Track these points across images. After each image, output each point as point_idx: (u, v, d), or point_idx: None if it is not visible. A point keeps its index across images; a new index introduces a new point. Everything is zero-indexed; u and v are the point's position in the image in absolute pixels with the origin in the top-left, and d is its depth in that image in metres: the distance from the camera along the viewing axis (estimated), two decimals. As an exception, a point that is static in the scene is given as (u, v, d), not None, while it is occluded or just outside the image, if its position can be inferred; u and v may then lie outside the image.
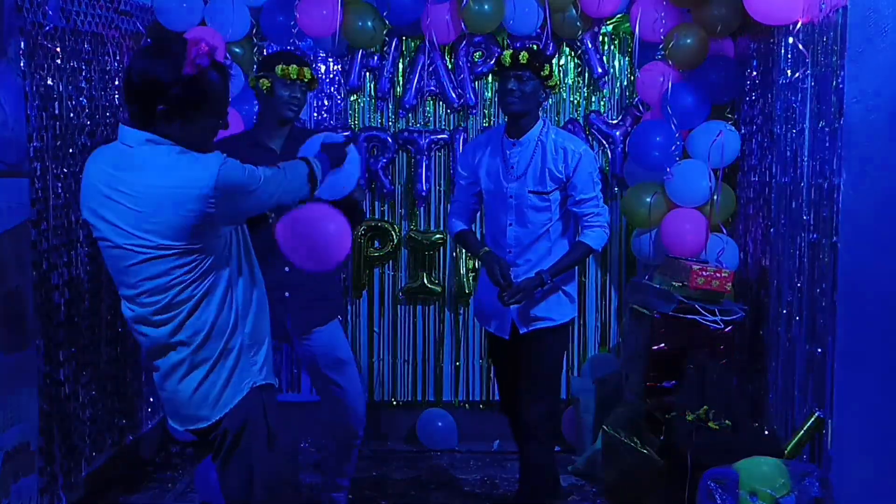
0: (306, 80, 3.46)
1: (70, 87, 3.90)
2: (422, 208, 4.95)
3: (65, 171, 3.83)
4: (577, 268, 3.77)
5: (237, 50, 4.58)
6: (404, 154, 4.91)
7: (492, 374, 5.01)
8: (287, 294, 3.52)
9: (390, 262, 4.94)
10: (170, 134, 2.30)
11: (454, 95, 4.81)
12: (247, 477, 2.53)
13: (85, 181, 2.42)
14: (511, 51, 3.46)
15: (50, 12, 3.68)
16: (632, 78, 4.75)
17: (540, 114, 3.59)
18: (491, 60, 4.80)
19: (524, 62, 3.39)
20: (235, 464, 2.53)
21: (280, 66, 3.42)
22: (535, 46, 3.71)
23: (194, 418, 2.53)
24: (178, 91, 2.25)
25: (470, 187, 3.73)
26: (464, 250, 4.81)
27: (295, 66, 3.44)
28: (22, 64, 3.42)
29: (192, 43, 2.25)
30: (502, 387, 3.87)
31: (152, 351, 2.51)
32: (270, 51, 4.85)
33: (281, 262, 3.08)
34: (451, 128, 4.89)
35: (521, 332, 3.61)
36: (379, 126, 4.91)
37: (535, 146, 3.52)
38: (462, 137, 4.84)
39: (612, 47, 4.82)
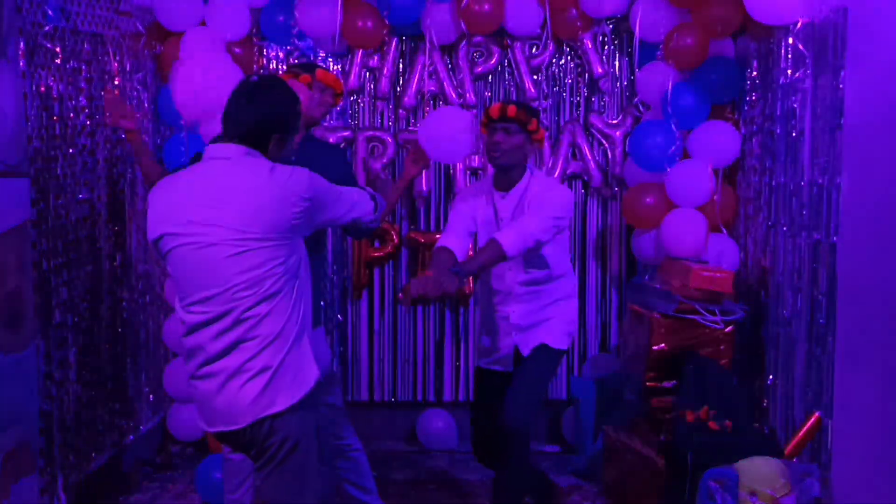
0: (339, 93, 3.56)
1: (70, 87, 3.90)
2: (422, 208, 4.95)
3: (65, 171, 3.83)
4: (576, 303, 3.71)
5: (237, 50, 4.58)
6: (404, 154, 4.91)
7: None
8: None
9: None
10: (266, 151, 2.63)
11: (454, 95, 4.81)
12: (298, 488, 2.61)
13: (164, 201, 2.72)
14: (499, 104, 3.49)
15: (50, 12, 3.68)
16: (632, 78, 4.74)
17: (526, 165, 3.56)
18: (491, 60, 4.80)
19: (511, 115, 3.42)
20: (288, 474, 2.61)
21: (320, 70, 3.52)
22: (521, 102, 3.70)
23: (239, 419, 2.59)
24: (293, 122, 2.68)
25: (466, 223, 3.62)
26: None
27: (335, 75, 3.58)
28: (22, 64, 3.42)
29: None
30: (479, 433, 3.70)
31: (215, 355, 2.59)
32: (270, 51, 4.87)
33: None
34: (451, 128, 4.89)
35: (524, 354, 3.54)
36: (379, 126, 4.91)
37: (520, 197, 3.52)
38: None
39: (613, 47, 4.82)
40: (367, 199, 2.88)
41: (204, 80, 4.06)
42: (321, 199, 2.65)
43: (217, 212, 2.54)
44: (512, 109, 3.42)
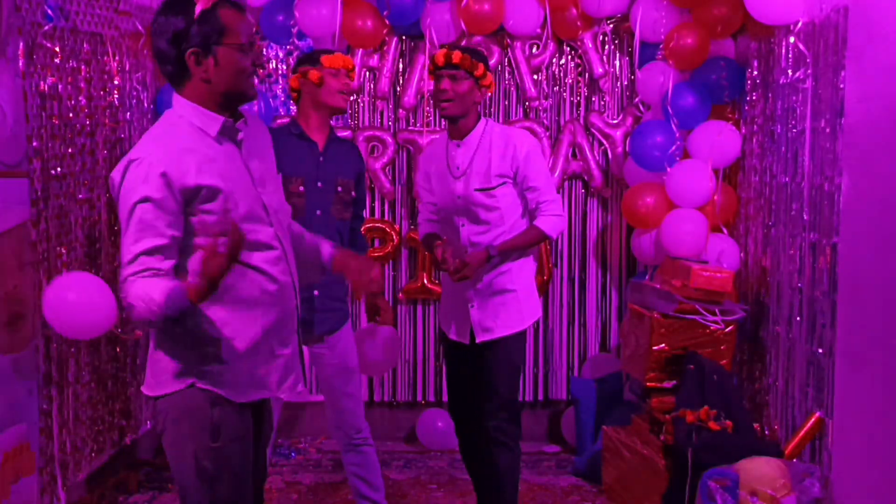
0: (351, 69, 3.47)
1: (70, 87, 3.89)
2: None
3: (65, 171, 3.83)
4: (535, 274, 3.66)
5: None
6: (404, 154, 4.91)
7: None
8: (316, 293, 3.43)
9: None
10: (208, 80, 2.26)
11: (454, 95, 4.80)
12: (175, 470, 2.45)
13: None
14: (444, 50, 3.36)
15: (49, 12, 3.68)
16: (632, 78, 4.74)
17: (479, 112, 3.48)
18: (491, 60, 4.80)
19: (456, 62, 3.30)
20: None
21: (324, 56, 3.42)
22: (468, 47, 3.63)
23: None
24: (198, 28, 2.22)
25: (431, 197, 3.61)
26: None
27: (340, 54, 3.47)
28: (21, 63, 3.42)
29: None
30: (452, 391, 3.68)
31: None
32: (270, 50, 4.86)
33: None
34: (451, 128, 4.89)
35: (477, 340, 3.48)
36: (379, 126, 4.91)
37: (476, 145, 3.41)
38: (462, 137, 4.83)
39: (613, 47, 4.82)
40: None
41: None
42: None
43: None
44: (457, 55, 3.31)
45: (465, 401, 3.58)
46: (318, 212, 3.43)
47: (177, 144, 2.24)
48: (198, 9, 2.20)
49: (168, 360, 2.34)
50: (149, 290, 2.14)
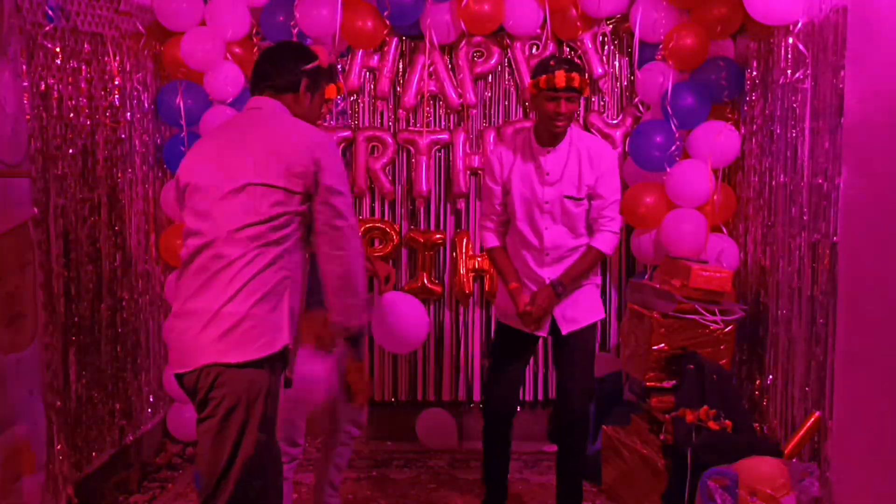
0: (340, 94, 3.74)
1: (70, 87, 3.90)
2: (422, 208, 4.95)
3: (65, 171, 3.83)
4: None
5: (237, 50, 4.59)
6: (404, 154, 4.91)
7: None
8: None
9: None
10: (303, 104, 2.92)
11: (454, 95, 4.81)
12: (228, 449, 2.61)
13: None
14: (562, 72, 3.42)
15: (50, 12, 3.68)
16: (632, 78, 4.74)
17: None
18: (492, 60, 4.80)
19: (577, 86, 3.44)
20: (223, 432, 2.60)
21: (331, 86, 3.46)
22: (572, 61, 3.68)
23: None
24: (320, 70, 2.94)
25: (501, 196, 3.70)
26: (464, 253, 4.84)
27: (333, 85, 3.52)
28: (22, 64, 3.42)
29: (326, 50, 3.02)
30: (505, 385, 3.84)
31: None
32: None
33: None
34: (451, 128, 4.89)
35: (563, 332, 3.68)
36: (379, 126, 4.91)
37: (567, 153, 3.57)
38: (462, 138, 4.84)
39: (613, 47, 4.82)
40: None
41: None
42: (329, 165, 2.71)
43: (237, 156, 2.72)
44: (577, 79, 3.43)
45: (514, 396, 3.84)
46: None
47: None
48: (324, 60, 2.97)
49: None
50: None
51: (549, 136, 3.56)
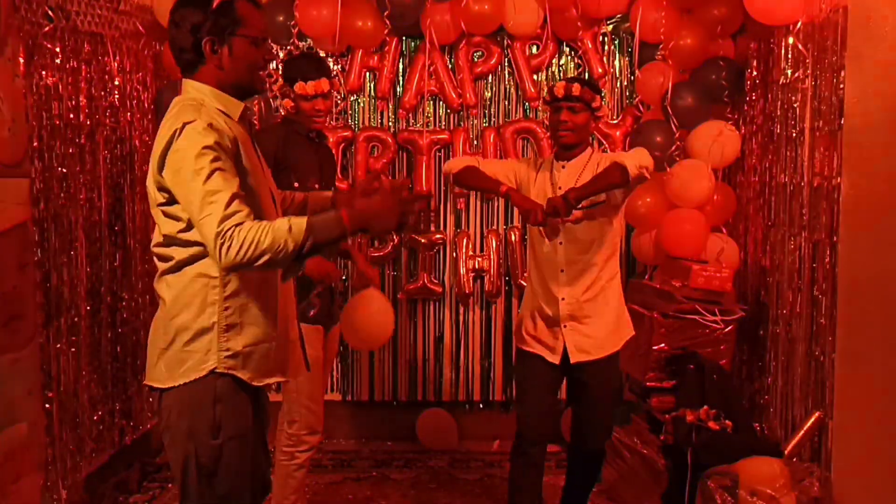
0: (325, 92, 3.50)
1: (70, 87, 3.89)
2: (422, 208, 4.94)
3: (65, 171, 3.83)
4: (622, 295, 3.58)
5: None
6: (404, 154, 4.91)
7: (492, 374, 5.02)
8: (333, 284, 3.60)
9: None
10: (221, 67, 2.34)
11: (454, 95, 4.81)
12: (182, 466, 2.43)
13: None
14: (562, 83, 3.40)
15: (49, 12, 3.68)
16: (632, 78, 4.74)
17: (589, 140, 3.52)
18: (492, 60, 4.80)
19: (577, 94, 3.35)
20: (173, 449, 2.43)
21: (298, 83, 3.46)
22: (584, 78, 3.63)
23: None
24: (215, 18, 2.31)
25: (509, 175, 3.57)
26: (464, 253, 4.84)
27: (312, 81, 3.47)
28: (21, 63, 3.42)
29: None
30: (540, 410, 3.54)
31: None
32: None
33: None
34: (451, 128, 4.89)
35: (572, 361, 3.44)
36: (379, 126, 4.91)
37: (582, 168, 3.43)
38: (462, 138, 4.84)
39: (613, 47, 4.82)
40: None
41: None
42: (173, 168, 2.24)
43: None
44: (576, 87, 3.36)
45: (543, 425, 3.56)
46: None
47: (213, 119, 2.28)
48: (216, 0, 2.30)
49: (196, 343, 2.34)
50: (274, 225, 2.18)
51: (560, 148, 3.47)
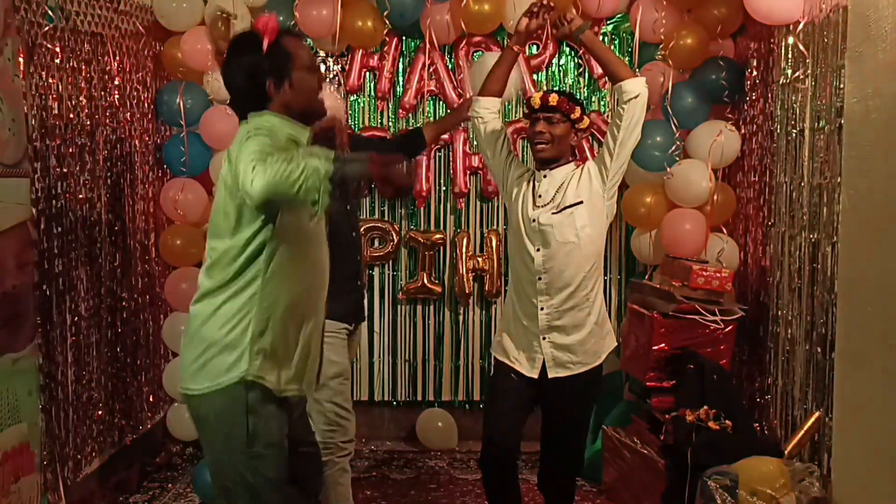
0: None
1: (70, 87, 3.89)
2: (422, 208, 4.95)
3: (64, 171, 3.83)
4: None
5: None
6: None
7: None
8: (359, 283, 3.64)
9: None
10: (287, 103, 2.49)
11: (454, 95, 4.81)
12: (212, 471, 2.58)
13: None
14: (540, 93, 3.32)
15: (49, 12, 3.68)
16: (632, 78, 4.73)
17: (570, 153, 3.40)
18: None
19: (554, 104, 3.26)
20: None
21: None
22: (564, 90, 3.57)
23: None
24: (270, 59, 2.44)
25: (504, 144, 3.45)
26: (464, 253, 4.84)
27: None
28: (21, 63, 3.42)
29: (258, 23, 2.47)
30: (504, 427, 3.37)
31: None
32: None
33: (357, 251, 3.43)
34: (451, 128, 4.89)
35: (550, 375, 3.29)
36: (379, 126, 4.91)
37: (566, 178, 3.32)
38: (462, 137, 4.84)
39: (612, 47, 4.82)
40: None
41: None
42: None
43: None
44: (553, 98, 3.27)
45: (510, 442, 3.38)
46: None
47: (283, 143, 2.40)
48: (265, 43, 2.43)
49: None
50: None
51: (538, 163, 3.36)
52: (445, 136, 4.83)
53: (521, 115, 3.51)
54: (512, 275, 3.45)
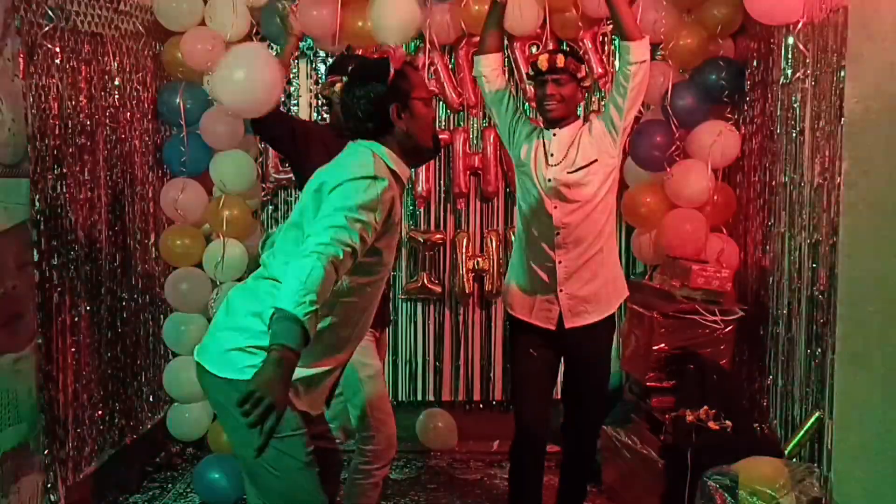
0: None
1: (70, 87, 3.89)
2: (422, 208, 4.95)
3: (65, 171, 3.83)
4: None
5: (237, 50, 4.59)
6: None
7: (492, 374, 5.02)
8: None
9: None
10: (407, 131, 2.53)
11: (454, 95, 4.81)
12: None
13: None
14: (546, 54, 3.35)
15: (49, 12, 3.68)
16: (632, 78, 4.73)
17: (577, 111, 3.49)
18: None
19: (562, 66, 3.30)
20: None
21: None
22: (567, 47, 3.62)
23: None
24: (395, 87, 2.50)
25: (510, 101, 3.50)
26: (464, 253, 4.84)
27: None
28: (21, 63, 3.42)
29: (392, 52, 2.59)
30: (535, 413, 3.48)
31: None
32: (270, 51, 4.86)
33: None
34: (451, 128, 4.89)
35: (567, 325, 3.42)
36: (379, 126, 4.90)
37: (574, 136, 3.39)
38: (462, 137, 4.83)
39: (612, 47, 4.82)
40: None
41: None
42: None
43: None
44: (560, 59, 3.30)
45: (544, 424, 3.50)
46: None
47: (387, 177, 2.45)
48: (392, 69, 2.50)
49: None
50: None
51: (548, 123, 3.43)
52: (445, 137, 4.84)
53: (526, 77, 3.51)
54: (524, 231, 3.50)
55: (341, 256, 2.24)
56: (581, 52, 4.77)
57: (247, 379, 2.21)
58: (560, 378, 3.63)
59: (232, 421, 2.43)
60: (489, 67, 3.46)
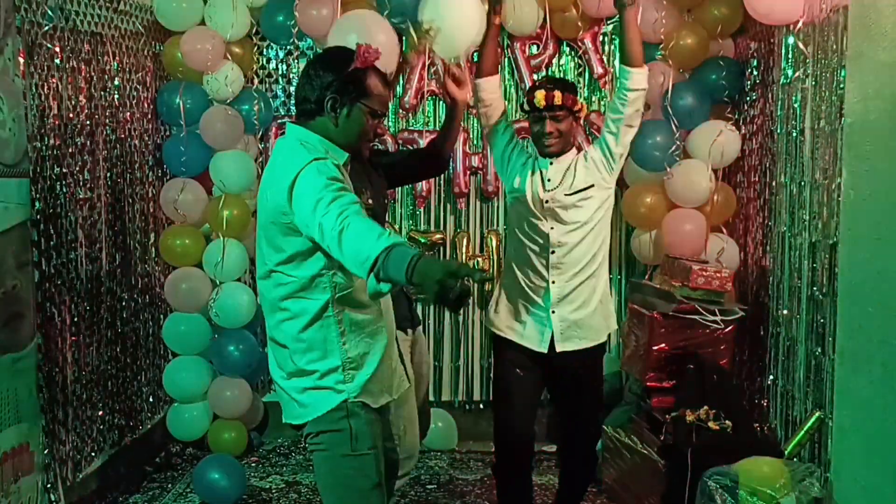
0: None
1: (70, 87, 3.89)
2: (422, 208, 4.95)
3: (65, 171, 3.83)
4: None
5: (237, 50, 4.59)
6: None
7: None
8: (402, 289, 3.48)
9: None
10: (335, 124, 2.51)
11: (454, 95, 4.80)
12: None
13: None
14: (543, 91, 3.30)
15: (49, 12, 3.68)
16: (632, 78, 4.73)
17: (574, 141, 3.49)
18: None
19: (559, 103, 3.28)
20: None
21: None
22: (560, 79, 3.60)
23: None
24: (345, 82, 2.48)
25: (506, 131, 3.52)
26: (464, 253, 4.83)
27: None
28: (21, 63, 3.42)
29: (363, 46, 2.51)
30: (518, 429, 3.49)
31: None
32: (270, 50, 4.87)
33: None
34: (451, 128, 4.89)
35: (557, 349, 3.38)
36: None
37: (571, 163, 3.39)
38: (462, 137, 4.83)
39: (612, 47, 4.82)
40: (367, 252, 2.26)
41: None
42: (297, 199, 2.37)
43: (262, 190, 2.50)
44: (558, 96, 3.27)
45: (528, 440, 3.53)
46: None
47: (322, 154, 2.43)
48: (351, 66, 2.48)
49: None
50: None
51: (545, 156, 3.42)
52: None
53: (521, 110, 3.52)
54: (516, 254, 3.46)
55: (360, 213, 2.26)
56: (581, 52, 4.78)
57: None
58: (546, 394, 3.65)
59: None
60: (487, 91, 3.47)
